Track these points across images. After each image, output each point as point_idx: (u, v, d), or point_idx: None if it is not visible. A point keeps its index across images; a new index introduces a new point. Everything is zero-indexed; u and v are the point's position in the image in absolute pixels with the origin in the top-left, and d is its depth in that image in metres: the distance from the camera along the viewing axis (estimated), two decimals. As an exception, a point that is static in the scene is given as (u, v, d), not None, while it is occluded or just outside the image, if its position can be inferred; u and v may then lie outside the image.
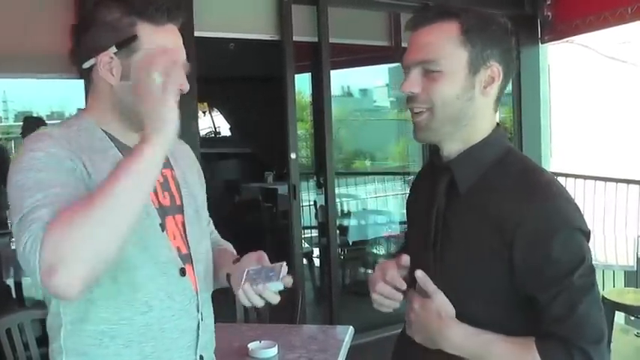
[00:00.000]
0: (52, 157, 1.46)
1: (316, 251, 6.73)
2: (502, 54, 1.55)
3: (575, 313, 1.42)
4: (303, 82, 7.26)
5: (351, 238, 7.06)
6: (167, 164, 1.72)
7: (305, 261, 5.89)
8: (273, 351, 2.60)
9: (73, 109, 7.45)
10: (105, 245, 1.35)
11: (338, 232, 5.81)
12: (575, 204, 1.53)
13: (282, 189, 7.11)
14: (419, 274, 1.57)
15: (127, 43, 1.54)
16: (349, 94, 9.79)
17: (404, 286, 1.65)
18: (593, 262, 1.50)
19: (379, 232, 7.38)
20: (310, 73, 6.64)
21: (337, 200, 5.94)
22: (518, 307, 1.51)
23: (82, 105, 4.38)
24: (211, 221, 1.97)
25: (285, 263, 1.67)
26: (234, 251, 1.96)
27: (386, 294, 1.67)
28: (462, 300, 1.55)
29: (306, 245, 6.49)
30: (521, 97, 5.87)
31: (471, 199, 1.55)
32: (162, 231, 1.63)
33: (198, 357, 1.70)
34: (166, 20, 1.57)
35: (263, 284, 1.61)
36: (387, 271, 1.67)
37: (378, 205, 8.00)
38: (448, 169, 1.60)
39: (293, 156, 5.04)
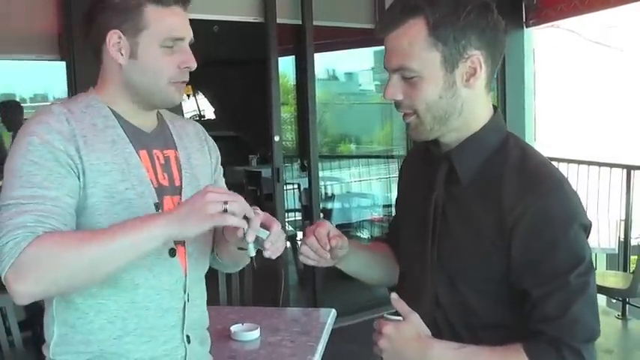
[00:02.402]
0: (47, 147, 1.53)
1: (300, 234, 6.74)
2: (480, 38, 1.46)
3: (568, 314, 1.39)
4: (287, 65, 7.25)
5: (335, 221, 7.07)
6: (172, 145, 1.77)
7: (289, 244, 5.89)
8: (256, 334, 2.60)
9: (56, 91, 7.39)
10: (76, 284, 1.51)
11: (322, 215, 5.81)
12: (576, 194, 1.49)
13: (266, 172, 7.08)
14: (394, 296, 1.52)
15: (134, 22, 1.60)
16: (334, 78, 9.76)
17: (327, 247, 1.63)
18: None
19: (363, 215, 7.40)
20: (294, 56, 6.61)
21: (321, 183, 5.95)
22: (513, 301, 1.48)
23: (65, 87, 4.35)
24: None
25: (268, 233, 1.57)
26: None
27: (314, 248, 1.65)
28: (458, 290, 1.52)
29: (290, 228, 6.50)
30: (506, 82, 5.87)
31: (471, 188, 1.52)
32: (157, 210, 1.66)
33: (184, 336, 1.72)
34: (172, 2, 1.63)
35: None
36: (319, 228, 1.65)
37: (362, 188, 8.01)
38: (447, 159, 1.55)
39: (277, 139, 5.03)
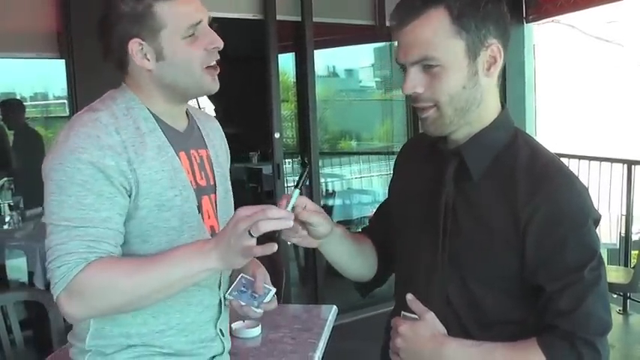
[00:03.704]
0: (97, 166, 1.51)
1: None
2: (497, 28, 1.46)
3: (581, 308, 1.39)
4: (287, 62, 7.23)
5: (336, 217, 7.06)
6: (203, 145, 1.79)
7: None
8: (257, 330, 2.60)
9: (56, 89, 7.38)
10: (125, 310, 1.58)
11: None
12: (586, 189, 1.49)
13: (267, 169, 7.09)
14: (409, 297, 1.53)
15: (149, 25, 1.58)
16: (334, 75, 9.73)
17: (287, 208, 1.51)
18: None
19: (364, 211, 7.38)
20: (294, 53, 6.59)
21: (322, 180, 5.94)
22: (526, 296, 1.48)
23: (64, 86, 4.35)
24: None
25: (274, 292, 1.69)
26: None
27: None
28: (470, 288, 1.51)
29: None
30: (506, 77, 5.86)
31: (482, 185, 1.50)
32: (199, 212, 1.68)
33: (218, 330, 1.79)
34: None
35: (244, 304, 1.68)
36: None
37: (362, 184, 8.00)
38: (457, 155, 1.53)
39: (277, 136, 5.03)
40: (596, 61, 9.66)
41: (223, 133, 1.94)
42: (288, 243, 1.57)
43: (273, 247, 1.43)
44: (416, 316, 1.53)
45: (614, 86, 9.80)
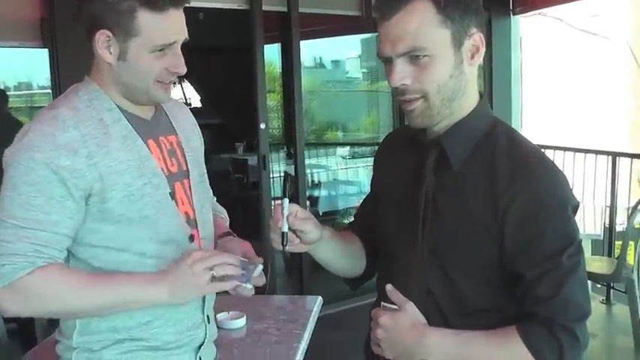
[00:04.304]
0: (51, 167, 1.50)
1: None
2: (477, 18, 1.48)
3: (560, 294, 1.41)
4: (273, 53, 7.21)
5: (322, 208, 7.07)
6: (172, 131, 1.77)
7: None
8: (242, 322, 2.59)
9: (40, 79, 7.33)
10: (59, 316, 1.65)
11: (308, 202, 5.81)
12: (565, 177, 1.50)
13: (253, 160, 7.08)
14: (389, 287, 1.53)
15: (125, 27, 1.55)
16: (321, 66, 9.75)
17: (279, 223, 1.54)
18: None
19: (350, 202, 7.39)
20: (280, 44, 6.58)
21: (308, 171, 5.94)
22: (506, 285, 1.48)
23: (48, 75, 4.29)
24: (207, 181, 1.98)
25: (261, 265, 1.66)
26: (226, 217, 2.04)
27: (278, 232, 1.56)
28: (450, 278, 1.52)
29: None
30: (493, 69, 5.87)
31: (461, 174, 1.51)
32: (172, 199, 1.67)
33: (205, 317, 1.78)
34: (168, 6, 1.57)
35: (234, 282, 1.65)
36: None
37: (348, 175, 8.01)
38: (437, 145, 1.54)
39: (262, 126, 5.02)
40: (583, 54, 9.69)
41: (194, 119, 1.93)
42: (279, 250, 1.58)
43: (226, 286, 1.57)
44: (396, 307, 1.53)
45: (600, 79, 9.84)
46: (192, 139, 1.83)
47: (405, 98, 1.50)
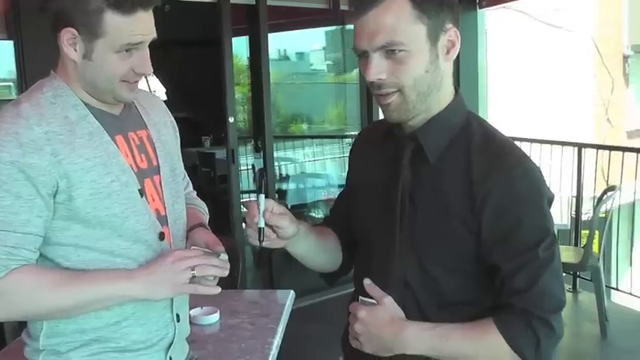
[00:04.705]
0: (16, 166, 1.47)
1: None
2: (452, 13, 1.49)
3: (536, 286, 1.43)
4: (240, 46, 7.17)
5: (290, 201, 7.07)
6: (142, 125, 1.73)
7: (244, 225, 5.86)
8: (215, 317, 2.58)
9: (2, 71, 7.20)
10: (42, 319, 1.60)
11: (277, 195, 5.79)
12: (540, 170, 1.51)
13: (220, 153, 7.05)
14: (367, 282, 1.54)
15: (92, 27, 1.51)
16: (286, 58, 9.72)
17: (255, 219, 1.55)
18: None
19: (318, 195, 7.40)
20: (248, 36, 6.54)
21: (275, 164, 5.92)
22: (483, 277, 1.50)
23: (13, 68, 4.19)
24: (186, 174, 1.95)
25: (224, 254, 1.66)
26: (206, 211, 2.00)
27: (255, 228, 1.57)
28: (428, 271, 1.53)
29: (245, 209, 6.46)
30: (460, 62, 5.90)
31: (438, 168, 1.52)
32: (142, 197, 1.64)
33: (174, 315, 1.74)
34: (136, 7, 1.52)
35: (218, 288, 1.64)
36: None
37: (316, 168, 8.01)
38: (413, 139, 1.54)
39: (231, 120, 4.99)
40: (547, 47, 9.78)
41: (168, 110, 1.89)
42: (256, 245, 1.58)
43: (217, 290, 1.59)
44: (374, 301, 1.53)
45: (565, 71, 9.95)
46: (163, 132, 1.79)
47: (381, 92, 1.50)
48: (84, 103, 1.60)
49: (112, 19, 1.50)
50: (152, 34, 1.58)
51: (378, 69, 1.47)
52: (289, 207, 6.88)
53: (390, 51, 1.45)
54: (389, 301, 1.52)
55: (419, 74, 1.46)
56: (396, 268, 1.56)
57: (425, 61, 1.46)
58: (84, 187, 1.53)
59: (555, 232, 1.51)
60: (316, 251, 1.76)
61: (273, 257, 5.23)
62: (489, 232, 1.45)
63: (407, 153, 1.55)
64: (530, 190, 1.46)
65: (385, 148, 1.63)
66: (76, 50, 1.54)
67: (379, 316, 1.51)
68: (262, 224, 1.53)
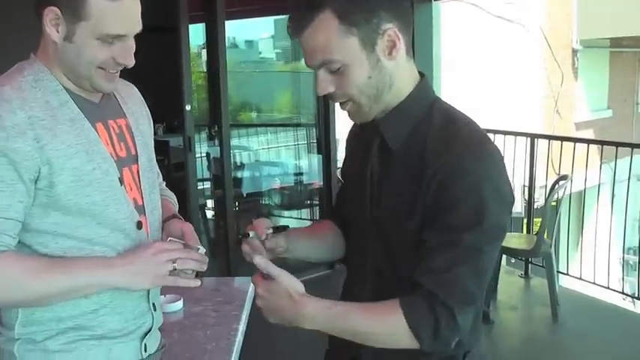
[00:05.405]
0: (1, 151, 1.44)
1: (209, 203, 6.67)
2: (390, 11, 1.48)
3: (453, 272, 1.42)
4: (192, 33, 7.10)
5: (245, 190, 7.04)
6: (121, 113, 1.71)
7: (199, 214, 5.84)
8: (179, 304, 2.57)
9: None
10: (24, 306, 1.57)
11: (232, 183, 5.78)
12: (501, 161, 1.50)
13: (174, 141, 6.97)
14: (256, 260, 1.56)
15: (75, 9, 1.47)
16: (234, 46, 9.66)
17: (264, 236, 1.66)
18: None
19: (273, 183, 7.39)
20: (205, 23, 6.48)
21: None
22: None
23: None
24: (156, 164, 1.92)
25: (202, 248, 1.66)
26: (175, 203, 1.98)
27: (252, 246, 1.65)
28: (394, 254, 1.56)
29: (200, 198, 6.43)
30: (414, 55, 5.92)
31: (400, 155, 1.55)
32: (121, 185, 1.62)
33: (151, 305, 1.74)
34: None
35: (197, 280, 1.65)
36: (259, 225, 1.67)
37: (270, 156, 7.99)
38: (377, 130, 1.58)
39: (188, 108, 4.96)
40: (499, 40, 9.89)
41: (143, 99, 1.87)
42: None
43: (198, 283, 1.61)
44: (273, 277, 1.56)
45: (516, 64, 10.09)
46: (141, 122, 1.77)
47: (335, 102, 1.57)
48: (65, 88, 1.57)
49: (96, 3, 1.47)
50: (138, 26, 1.56)
51: (325, 84, 1.51)
52: (244, 195, 6.88)
53: (331, 68, 1.49)
54: (286, 277, 1.54)
55: (362, 82, 1.50)
56: (369, 256, 1.61)
57: (365, 69, 1.49)
58: (65, 174, 1.51)
59: (503, 231, 1.49)
60: (316, 249, 1.83)
61: (230, 245, 5.22)
62: (430, 207, 1.45)
63: (375, 143, 1.60)
64: (476, 173, 1.44)
65: (360, 141, 1.69)
66: (58, 32, 1.50)
67: (275, 290, 1.53)
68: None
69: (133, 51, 1.57)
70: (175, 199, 2.01)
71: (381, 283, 1.58)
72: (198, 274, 1.68)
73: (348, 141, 1.85)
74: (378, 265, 1.59)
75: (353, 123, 1.85)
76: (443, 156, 1.45)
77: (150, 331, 1.75)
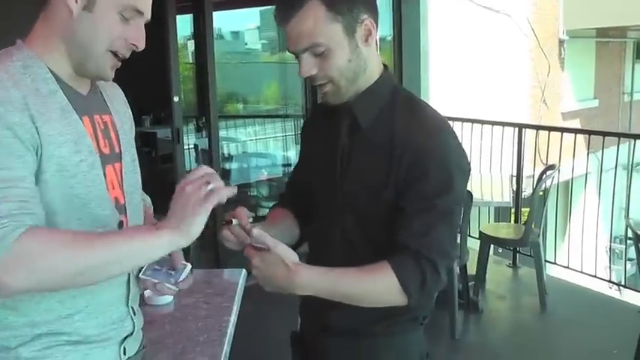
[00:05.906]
0: (2, 124, 1.36)
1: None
2: (365, 5, 1.68)
3: (430, 234, 1.63)
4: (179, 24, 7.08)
5: (234, 181, 7.04)
6: (107, 110, 1.66)
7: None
8: (169, 297, 2.56)
9: None
10: (64, 285, 1.41)
11: (221, 175, 5.77)
12: (455, 135, 1.72)
13: (161, 133, 6.96)
14: (254, 232, 1.63)
15: None
16: (220, 37, 9.62)
17: (247, 239, 1.67)
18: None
19: (260, 174, 7.39)
20: (192, 14, 6.46)
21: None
22: None
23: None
24: (138, 167, 1.85)
25: (189, 268, 1.65)
26: (151, 205, 1.94)
27: (235, 233, 1.70)
28: (364, 227, 1.73)
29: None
30: (402, 45, 5.95)
31: (370, 133, 1.73)
32: (104, 182, 1.57)
33: (130, 309, 1.68)
34: None
35: (160, 282, 1.62)
36: (241, 213, 1.71)
37: (258, 148, 7.99)
38: (349, 111, 1.74)
39: (176, 99, 4.94)
40: (486, 30, 9.89)
41: (126, 100, 1.83)
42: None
43: (233, 190, 1.45)
44: (265, 247, 1.64)
45: (504, 54, 10.10)
46: (124, 121, 1.73)
47: (316, 84, 1.74)
48: (54, 76, 1.52)
49: None
50: (150, 14, 1.57)
51: (308, 67, 1.68)
52: (232, 186, 6.86)
53: (315, 52, 1.66)
54: (281, 247, 1.64)
55: (343, 65, 1.68)
56: (337, 226, 1.77)
57: (346, 53, 1.67)
58: (52, 162, 1.44)
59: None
60: (280, 237, 1.80)
61: (219, 237, 5.20)
62: (403, 179, 1.65)
63: (345, 123, 1.76)
64: (442, 152, 1.66)
65: (328, 123, 1.83)
66: (77, 2, 1.46)
67: (270, 260, 1.63)
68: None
69: (144, 35, 1.57)
70: (150, 201, 1.96)
71: (351, 250, 1.75)
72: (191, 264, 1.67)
73: (304, 130, 2.05)
74: (348, 234, 1.75)
75: (314, 110, 1.94)
76: (412, 133, 1.66)
77: (130, 335, 1.69)
